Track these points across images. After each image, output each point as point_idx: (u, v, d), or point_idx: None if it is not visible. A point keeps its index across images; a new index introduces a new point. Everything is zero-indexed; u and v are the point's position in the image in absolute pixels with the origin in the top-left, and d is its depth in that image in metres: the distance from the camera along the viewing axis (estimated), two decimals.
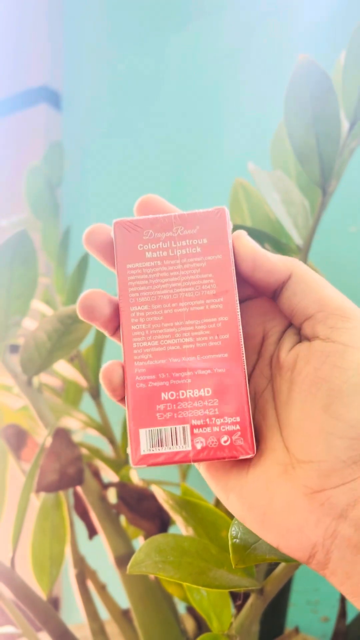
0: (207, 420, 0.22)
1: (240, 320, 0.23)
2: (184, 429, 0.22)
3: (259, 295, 0.26)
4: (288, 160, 0.49)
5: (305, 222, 0.42)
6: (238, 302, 0.23)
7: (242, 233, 0.24)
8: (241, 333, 0.23)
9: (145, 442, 0.22)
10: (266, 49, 0.72)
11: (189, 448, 0.22)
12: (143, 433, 0.23)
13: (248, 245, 0.24)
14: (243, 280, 0.24)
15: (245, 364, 0.23)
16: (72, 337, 0.38)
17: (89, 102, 0.92)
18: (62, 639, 0.37)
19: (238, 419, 0.22)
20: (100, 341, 0.56)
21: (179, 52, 0.81)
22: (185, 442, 0.22)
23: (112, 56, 0.89)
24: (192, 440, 0.22)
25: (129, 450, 0.23)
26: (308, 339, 0.22)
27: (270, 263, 0.23)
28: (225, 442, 0.22)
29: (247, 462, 0.22)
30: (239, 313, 0.23)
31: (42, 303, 0.58)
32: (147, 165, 0.83)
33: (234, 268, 0.24)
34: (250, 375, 0.24)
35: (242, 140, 0.74)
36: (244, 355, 0.23)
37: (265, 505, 0.21)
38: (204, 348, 0.23)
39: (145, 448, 0.22)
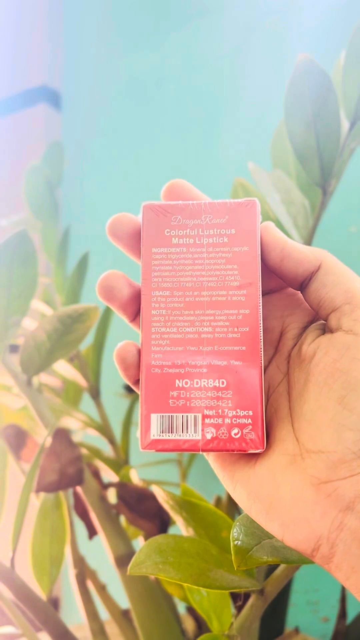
0: (220, 411, 0.22)
1: (261, 315, 0.23)
2: (195, 417, 0.22)
3: (280, 289, 0.25)
4: (288, 160, 0.49)
5: (305, 222, 0.42)
6: (261, 296, 0.23)
7: (271, 224, 0.24)
8: (261, 327, 0.23)
9: (155, 427, 0.23)
10: (266, 49, 0.72)
11: (199, 437, 0.22)
12: (154, 418, 0.23)
13: (277, 235, 0.23)
14: (271, 271, 0.24)
15: (262, 359, 0.23)
16: (72, 337, 0.38)
17: (89, 102, 0.92)
18: (62, 639, 0.37)
19: (251, 413, 0.22)
20: (100, 341, 0.56)
21: (178, 51, 0.81)
22: (195, 431, 0.22)
23: (112, 56, 0.89)
24: (202, 430, 0.22)
25: (138, 434, 0.23)
26: (332, 331, 0.22)
27: (300, 253, 0.23)
28: (235, 434, 0.22)
29: (255, 453, 0.22)
30: (261, 307, 0.23)
31: (42, 303, 0.58)
32: (147, 165, 0.83)
33: (260, 261, 0.23)
34: (265, 369, 0.24)
35: (242, 140, 0.74)
36: (262, 349, 0.23)
37: (271, 494, 0.21)
38: (223, 339, 0.23)
39: (155, 433, 0.22)
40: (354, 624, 0.43)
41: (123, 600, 0.46)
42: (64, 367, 0.54)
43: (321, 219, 0.43)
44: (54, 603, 0.80)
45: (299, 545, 0.20)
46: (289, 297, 0.25)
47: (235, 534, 0.23)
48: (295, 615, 0.62)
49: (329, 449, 0.20)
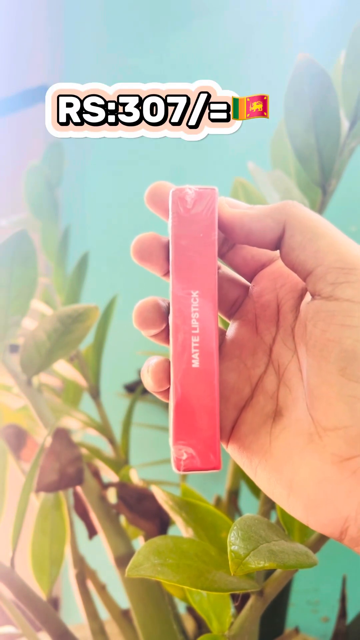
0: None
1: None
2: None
3: (271, 261, 0.24)
4: (288, 159, 0.48)
5: None
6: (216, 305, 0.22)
7: (222, 201, 0.23)
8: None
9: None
10: (266, 49, 0.72)
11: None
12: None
13: (231, 212, 0.22)
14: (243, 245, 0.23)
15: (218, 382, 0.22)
16: (72, 337, 0.38)
17: None
18: (62, 639, 0.37)
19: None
20: (100, 341, 0.56)
21: (179, 51, 0.81)
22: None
23: (112, 56, 0.89)
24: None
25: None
26: (313, 298, 0.21)
27: (260, 224, 0.21)
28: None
29: (267, 435, 0.21)
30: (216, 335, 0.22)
31: (42, 303, 0.58)
32: (147, 165, 0.83)
33: (216, 253, 0.22)
34: (271, 348, 0.23)
35: (242, 140, 0.74)
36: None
37: (291, 477, 0.20)
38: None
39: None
40: (354, 624, 0.43)
41: (123, 600, 0.46)
42: (64, 367, 0.54)
43: None
44: (54, 603, 0.80)
45: (325, 529, 0.19)
46: (279, 267, 0.24)
47: (233, 538, 0.23)
48: (295, 615, 0.62)
49: (345, 424, 0.19)
